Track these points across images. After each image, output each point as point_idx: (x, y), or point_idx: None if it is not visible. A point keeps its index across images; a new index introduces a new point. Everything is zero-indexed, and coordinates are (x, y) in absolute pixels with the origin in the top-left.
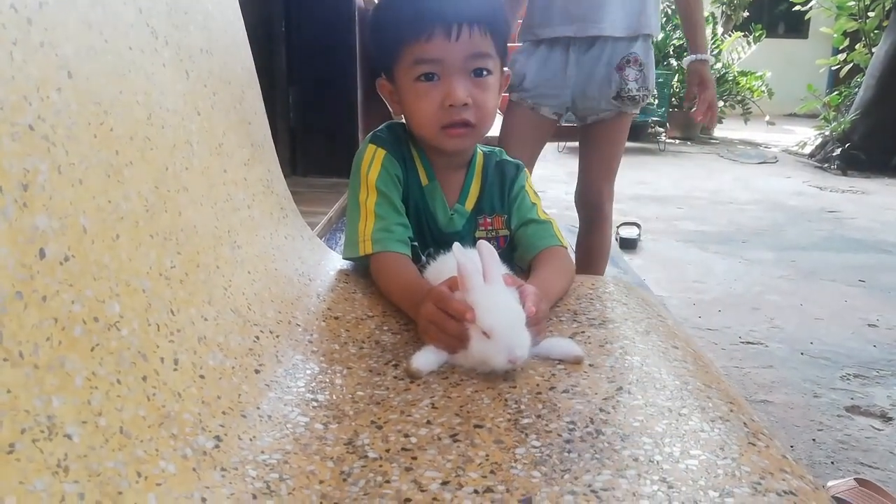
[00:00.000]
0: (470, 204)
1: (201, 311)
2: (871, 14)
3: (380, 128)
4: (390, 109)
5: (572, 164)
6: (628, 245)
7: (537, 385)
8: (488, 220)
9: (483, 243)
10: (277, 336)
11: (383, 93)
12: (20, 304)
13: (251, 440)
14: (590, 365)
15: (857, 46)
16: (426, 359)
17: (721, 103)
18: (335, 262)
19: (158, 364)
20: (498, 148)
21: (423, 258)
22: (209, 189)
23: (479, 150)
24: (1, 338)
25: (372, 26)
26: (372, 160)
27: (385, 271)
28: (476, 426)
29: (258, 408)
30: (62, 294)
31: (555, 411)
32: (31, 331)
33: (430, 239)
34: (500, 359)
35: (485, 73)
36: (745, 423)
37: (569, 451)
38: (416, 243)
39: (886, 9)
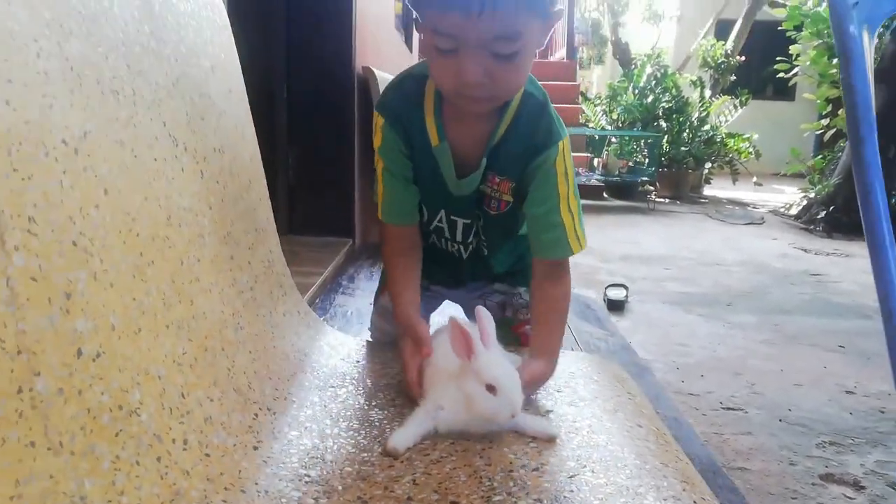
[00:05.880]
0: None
1: (207, 392)
2: None
3: (392, 83)
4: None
5: None
6: (616, 307)
7: (510, 463)
8: (497, 179)
9: (481, 309)
10: (274, 413)
11: (418, 29)
12: (61, 399)
13: None
14: (560, 443)
15: (839, 112)
16: (404, 436)
17: (709, 164)
18: (328, 336)
19: (171, 445)
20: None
21: (432, 221)
22: (217, 276)
23: (518, 95)
24: (46, 430)
25: None
26: (375, 129)
27: (387, 252)
28: (452, 503)
29: (256, 483)
30: (94, 387)
31: (524, 489)
32: (69, 422)
33: (441, 199)
34: (505, 413)
35: (510, 55)
36: (694, 502)
37: None
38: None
39: None
